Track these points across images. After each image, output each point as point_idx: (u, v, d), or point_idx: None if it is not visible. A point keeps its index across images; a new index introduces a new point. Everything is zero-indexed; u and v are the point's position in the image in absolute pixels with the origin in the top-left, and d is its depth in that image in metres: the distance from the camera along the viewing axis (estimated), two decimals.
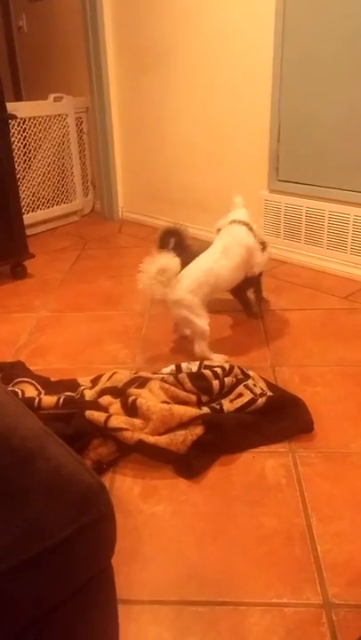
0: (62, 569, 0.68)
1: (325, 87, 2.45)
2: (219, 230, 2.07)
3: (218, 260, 1.92)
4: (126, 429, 1.42)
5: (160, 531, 1.23)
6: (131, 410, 1.49)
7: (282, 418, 1.54)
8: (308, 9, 2.40)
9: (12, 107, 2.65)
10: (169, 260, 1.79)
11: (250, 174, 2.91)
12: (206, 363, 1.74)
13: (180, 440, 1.41)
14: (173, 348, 2.00)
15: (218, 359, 1.85)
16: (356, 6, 2.25)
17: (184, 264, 1.91)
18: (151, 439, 1.41)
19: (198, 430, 1.44)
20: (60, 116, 3.50)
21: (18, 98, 4.29)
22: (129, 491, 1.34)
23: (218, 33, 2.81)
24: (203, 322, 1.86)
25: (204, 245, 2.08)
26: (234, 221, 2.02)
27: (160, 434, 1.43)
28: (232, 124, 2.92)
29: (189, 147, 3.20)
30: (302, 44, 2.47)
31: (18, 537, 0.65)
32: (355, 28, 2.28)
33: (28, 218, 3.06)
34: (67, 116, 3.53)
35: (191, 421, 1.45)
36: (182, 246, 2.19)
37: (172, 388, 1.57)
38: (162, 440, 1.41)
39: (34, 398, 1.55)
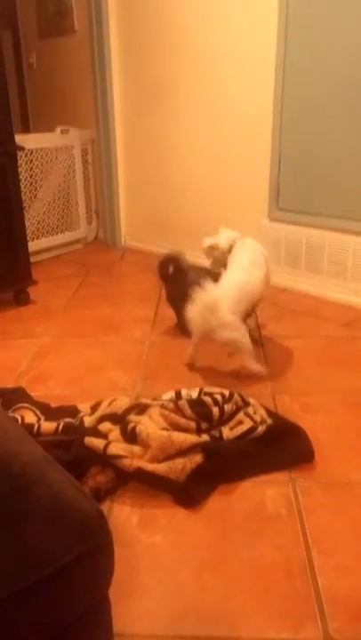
0: (60, 598, 0.68)
1: (325, 118, 2.51)
2: (211, 248, 2.07)
3: (251, 272, 1.94)
4: (125, 457, 1.42)
5: (158, 561, 1.22)
6: (130, 437, 1.49)
7: (282, 446, 1.53)
8: (309, 45, 2.47)
9: (20, 138, 2.71)
10: (216, 293, 1.82)
11: (251, 203, 2.96)
12: (206, 389, 1.74)
13: (179, 468, 1.41)
14: (173, 375, 2.01)
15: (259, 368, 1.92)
16: (355, 42, 2.32)
17: (182, 289, 1.93)
18: (150, 467, 1.40)
19: (198, 458, 1.44)
20: (66, 147, 3.58)
21: (26, 130, 4.39)
22: (127, 520, 1.33)
23: (221, 68, 2.89)
24: (247, 338, 1.89)
25: (202, 271, 2.10)
26: (239, 237, 2.05)
27: (159, 461, 1.43)
28: (233, 154, 2.98)
29: (191, 176, 3.26)
30: (303, 78, 2.53)
31: (16, 564, 0.65)
32: (354, 62, 2.35)
33: (32, 245, 3.10)
34: (73, 147, 3.61)
35: (191, 449, 1.45)
36: (181, 272, 2.22)
37: (172, 414, 1.57)
38: (161, 468, 1.40)
39: (33, 424, 1.55)
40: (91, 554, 0.71)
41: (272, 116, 2.71)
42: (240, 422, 1.58)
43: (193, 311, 1.84)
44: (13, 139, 2.56)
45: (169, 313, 2.57)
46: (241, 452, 1.49)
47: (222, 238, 2.17)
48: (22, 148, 2.70)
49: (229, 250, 2.13)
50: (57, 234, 3.65)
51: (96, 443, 1.44)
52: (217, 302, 1.81)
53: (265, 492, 1.41)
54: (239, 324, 1.87)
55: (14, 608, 0.64)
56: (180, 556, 1.23)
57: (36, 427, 1.53)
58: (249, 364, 1.92)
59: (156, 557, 1.23)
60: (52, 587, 0.67)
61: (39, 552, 0.68)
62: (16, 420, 1.59)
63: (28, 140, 3.17)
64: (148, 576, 1.18)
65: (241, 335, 1.88)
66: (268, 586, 1.15)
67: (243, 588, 1.14)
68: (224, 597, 1.12)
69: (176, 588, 1.15)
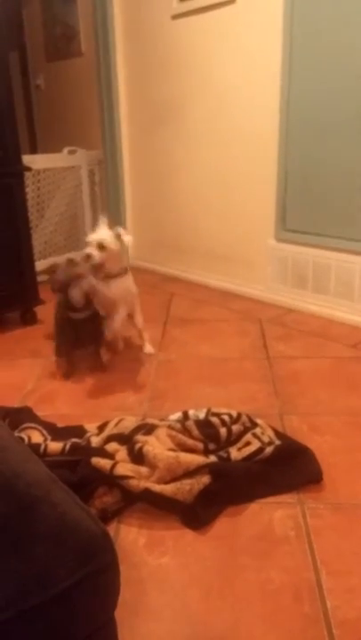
0: (65, 619, 0.67)
1: (331, 139, 2.53)
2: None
3: None
4: (132, 477, 1.41)
5: (165, 583, 1.20)
6: (137, 457, 1.48)
7: (290, 468, 1.52)
8: (315, 66, 2.51)
9: (27, 159, 2.75)
10: None
11: (257, 223, 2.98)
12: (214, 410, 1.73)
13: (186, 489, 1.39)
14: (180, 395, 2.00)
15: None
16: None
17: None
18: (157, 488, 1.39)
19: (205, 479, 1.42)
20: (73, 168, 3.63)
21: (33, 151, 4.46)
22: (134, 541, 1.32)
23: (227, 90, 2.94)
24: None
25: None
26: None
27: (166, 482, 1.41)
28: (240, 175, 3.01)
29: (198, 197, 3.29)
30: (309, 99, 2.57)
31: (21, 585, 0.64)
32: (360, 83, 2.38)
33: (39, 265, 3.12)
34: (80, 167, 3.66)
35: (198, 470, 1.44)
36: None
37: (179, 435, 1.56)
38: (168, 489, 1.39)
39: (40, 444, 1.54)
40: (96, 575, 0.70)
41: (278, 137, 2.74)
42: (248, 443, 1.57)
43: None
44: (21, 159, 2.60)
45: (176, 332, 2.58)
46: (249, 473, 1.47)
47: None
48: (29, 169, 2.74)
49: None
50: (64, 253, 3.67)
51: (103, 463, 1.43)
52: None
53: (273, 514, 1.39)
54: None
55: (18, 629, 0.63)
56: (188, 579, 1.21)
57: (43, 447, 1.53)
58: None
59: (163, 579, 1.21)
60: (56, 608, 0.66)
61: (44, 573, 0.67)
62: (22, 440, 1.59)
63: (35, 161, 3.22)
64: (155, 598, 1.16)
65: None
66: (277, 609, 1.13)
67: (251, 612, 1.12)
68: (232, 621, 1.10)
69: (184, 611, 1.13)
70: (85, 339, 2.18)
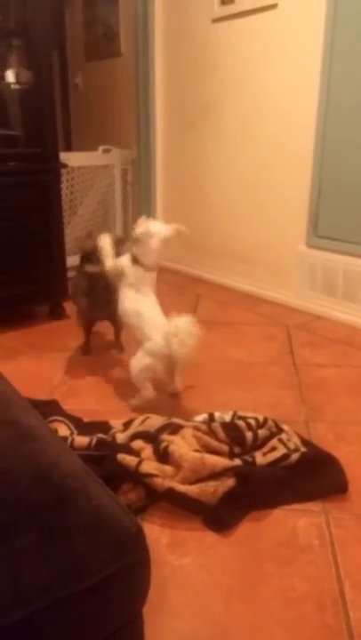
0: (97, 611, 0.67)
1: None
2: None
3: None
4: (157, 476, 1.41)
5: (187, 584, 1.20)
6: (162, 456, 1.49)
7: (315, 476, 1.51)
8: (355, 76, 2.49)
9: (63, 156, 2.78)
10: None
11: (288, 229, 2.96)
12: (240, 413, 1.73)
13: (210, 491, 1.39)
14: (205, 396, 2.00)
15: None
16: None
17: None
18: (182, 488, 1.39)
19: (230, 482, 1.42)
20: (107, 166, 3.66)
21: (68, 148, 4.51)
22: (156, 540, 1.32)
23: (263, 95, 2.93)
24: None
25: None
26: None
27: (191, 483, 1.42)
28: (272, 180, 3.00)
29: (229, 200, 3.29)
30: (346, 106, 2.55)
31: (57, 574, 0.65)
32: None
33: (70, 261, 3.15)
34: (114, 166, 3.69)
35: (223, 472, 1.43)
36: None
37: (205, 436, 1.56)
38: (192, 490, 1.39)
39: (67, 438, 1.56)
40: (129, 569, 0.71)
41: (313, 144, 2.72)
42: (273, 448, 1.56)
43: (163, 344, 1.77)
44: (58, 157, 2.63)
45: (202, 334, 2.57)
46: (274, 478, 1.47)
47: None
48: (66, 166, 2.77)
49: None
50: None
51: (128, 460, 1.44)
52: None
53: (297, 522, 1.38)
54: None
55: (52, 618, 0.64)
56: (209, 580, 1.21)
57: (70, 440, 1.54)
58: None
59: (184, 579, 1.21)
60: (88, 599, 0.67)
61: (78, 564, 0.68)
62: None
63: (71, 158, 3.25)
64: (176, 597, 1.16)
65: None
66: (299, 617, 1.12)
67: (272, 618, 1.12)
68: (253, 625, 1.10)
69: (204, 612, 1.13)
70: (102, 296, 2.15)
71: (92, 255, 2.10)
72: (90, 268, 2.14)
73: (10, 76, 2.56)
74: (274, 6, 2.77)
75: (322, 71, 2.61)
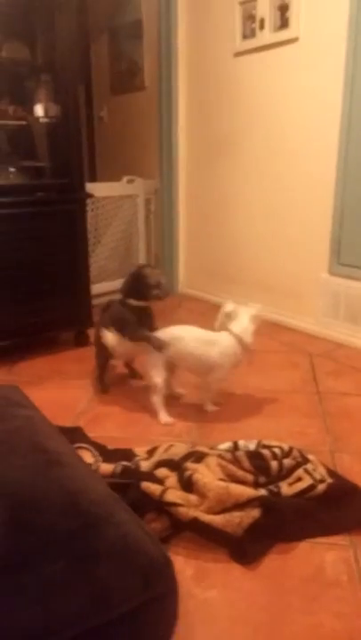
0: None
1: None
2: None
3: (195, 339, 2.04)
4: (182, 505, 1.40)
5: (212, 619, 1.17)
6: (187, 485, 1.47)
7: (342, 508, 1.47)
8: None
9: (89, 187, 2.84)
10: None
11: (311, 256, 2.96)
12: (264, 442, 1.71)
13: (236, 522, 1.37)
14: (229, 425, 1.98)
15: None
16: None
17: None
18: (206, 518, 1.37)
19: (255, 513, 1.40)
20: (130, 196, 3.72)
21: (93, 179, 4.61)
22: (181, 572, 1.29)
23: (284, 126, 2.97)
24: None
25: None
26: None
27: (215, 513, 1.40)
28: (294, 208, 3.02)
29: (251, 228, 3.31)
30: None
31: (85, 603, 0.65)
32: None
33: (94, 288, 3.19)
34: (137, 196, 3.75)
35: (248, 503, 1.41)
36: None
37: (230, 465, 1.55)
38: (217, 520, 1.37)
39: (91, 465, 1.56)
40: (158, 600, 0.70)
41: (335, 174, 2.74)
42: (299, 479, 1.53)
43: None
44: (84, 187, 2.69)
45: None
46: (300, 510, 1.44)
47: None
48: (92, 196, 2.83)
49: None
50: (118, 278, 3.74)
51: (153, 489, 1.43)
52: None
53: (324, 556, 1.34)
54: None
55: None
56: (236, 615, 1.18)
57: (94, 467, 1.54)
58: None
59: (210, 613, 1.18)
60: (118, 629, 0.66)
61: (107, 593, 0.67)
62: None
63: (96, 189, 3.32)
64: (202, 632, 1.14)
65: None
66: None
67: None
68: None
69: None
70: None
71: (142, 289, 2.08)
72: (135, 303, 2.10)
73: (39, 110, 2.64)
74: (295, 40, 2.82)
75: (343, 102, 2.64)
